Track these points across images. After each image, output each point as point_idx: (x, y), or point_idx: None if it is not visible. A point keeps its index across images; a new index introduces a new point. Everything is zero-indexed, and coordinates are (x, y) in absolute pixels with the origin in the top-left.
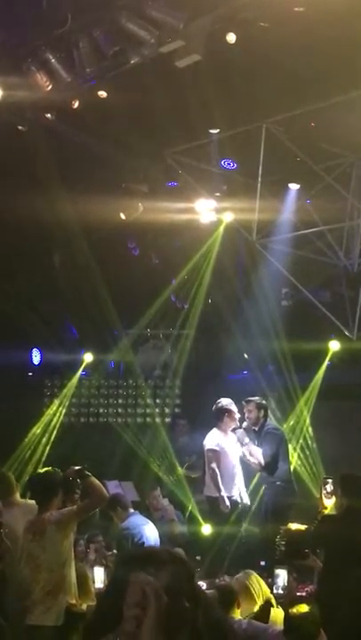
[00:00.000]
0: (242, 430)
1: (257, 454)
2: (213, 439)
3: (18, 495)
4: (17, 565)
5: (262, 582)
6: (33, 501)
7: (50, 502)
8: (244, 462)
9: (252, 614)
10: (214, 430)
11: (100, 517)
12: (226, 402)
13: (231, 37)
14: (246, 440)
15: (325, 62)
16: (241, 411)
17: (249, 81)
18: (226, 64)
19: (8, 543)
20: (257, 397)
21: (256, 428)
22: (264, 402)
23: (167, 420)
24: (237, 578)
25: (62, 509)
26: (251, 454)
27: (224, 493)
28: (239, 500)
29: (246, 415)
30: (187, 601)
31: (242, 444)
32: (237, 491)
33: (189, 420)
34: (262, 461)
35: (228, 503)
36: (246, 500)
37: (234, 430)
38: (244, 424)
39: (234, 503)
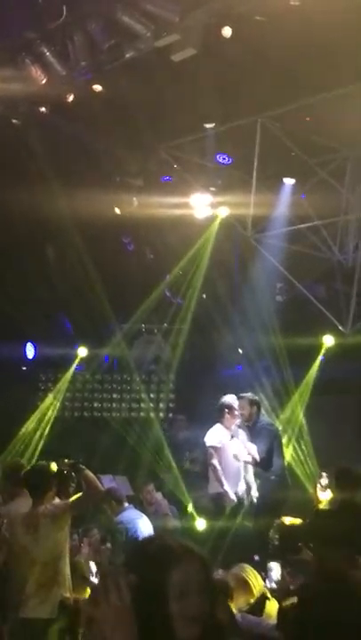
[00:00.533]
0: (235, 427)
1: (252, 450)
2: (214, 435)
3: None
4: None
5: (258, 575)
6: None
7: (44, 496)
8: None
9: (246, 607)
10: (217, 426)
11: (95, 511)
12: (228, 398)
13: (227, 31)
14: (241, 437)
15: (321, 56)
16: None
17: (244, 75)
18: (221, 58)
19: (6, 534)
20: (249, 394)
21: (250, 424)
22: (256, 398)
23: (161, 414)
24: (232, 571)
25: (57, 502)
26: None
27: (227, 488)
28: (245, 497)
29: (240, 412)
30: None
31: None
32: (243, 486)
33: (183, 414)
34: (257, 457)
35: (233, 497)
36: (254, 497)
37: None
38: (237, 420)
39: (239, 499)
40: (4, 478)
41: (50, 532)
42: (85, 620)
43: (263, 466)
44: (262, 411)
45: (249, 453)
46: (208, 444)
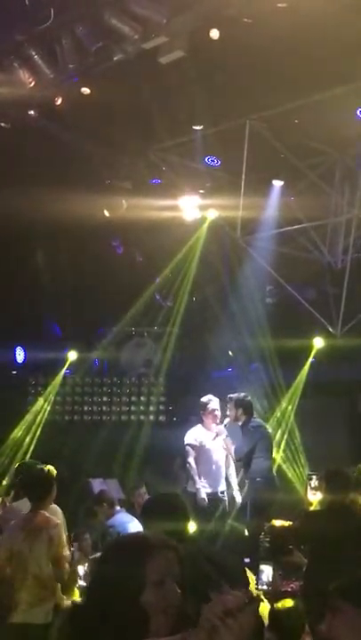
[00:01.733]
0: (221, 426)
1: (230, 449)
2: (192, 435)
3: None
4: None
5: (253, 577)
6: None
7: (44, 501)
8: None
9: None
10: (198, 426)
11: (86, 515)
12: (205, 398)
13: (215, 34)
14: (223, 435)
15: (309, 59)
16: (224, 407)
17: (233, 77)
18: (210, 60)
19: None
20: (236, 394)
21: (240, 424)
22: (246, 399)
23: (151, 417)
24: None
25: (56, 520)
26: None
27: (199, 486)
28: (223, 497)
29: (228, 412)
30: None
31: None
32: (222, 487)
33: (173, 417)
34: (233, 455)
35: (203, 496)
36: (237, 498)
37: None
38: (226, 420)
39: (216, 499)
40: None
41: (44, 551)
42: None
43: (243, 464)
44: (255, 412)
45: (226, 450)
46: (185, 442)
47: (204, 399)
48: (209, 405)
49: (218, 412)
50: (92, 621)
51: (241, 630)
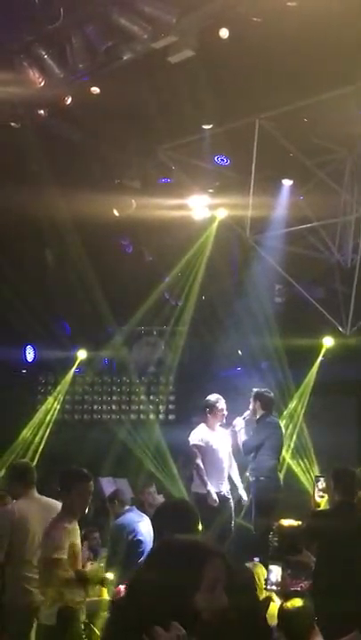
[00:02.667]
0: (240, 419)
1: (239, 443)
2: (197, 435)
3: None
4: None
5: (264, 572)
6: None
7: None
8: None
9: None
10: (201, 426)
11: (95, 514)
12: (211, 398)
13: (224, 33)
14: (238, 428)
15: (318, 57)
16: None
17: (242, 76)
18: (219, 59)
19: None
20: (257, 389)
21: (256, 418)
22: (266, 393)
23: (161, 416)
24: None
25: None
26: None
27: (210, 488)
28: (229, 496)
29: (250, 405)
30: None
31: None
32: (227, 486)
33: (182, 416)
34: (241, 449)
35: (215, 497)
36: (244, 496)
37: (226, 425)
38: (247, 413)
39: (223, 499)
40: (11, 478)
41: None
42: None
43: (244, 450)
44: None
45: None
46: (190, 442)
47: (212, 398)
48: (218, 404)
49: (225, 412)
50: (136, 622)
51: None
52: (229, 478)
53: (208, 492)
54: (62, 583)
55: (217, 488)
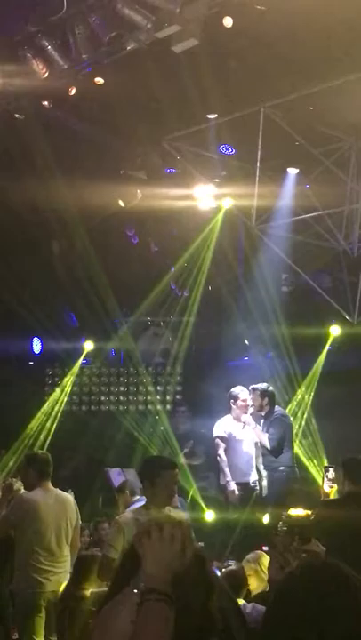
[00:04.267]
0: (248, 415)
1: (262, 438)
2: (221, 426)
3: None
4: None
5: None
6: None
7: None
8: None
9: (259, 595)
10: (226, 417)
11: (104, 504)
12: (235, 389)
13: (228, 21)
14: (252, 425)
15: (323, 45)
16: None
17: (246, 65)
18: (223, 48)
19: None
20: (261, 385)
21: (263, 414)
22: (270, 389)
23: (168, 406)
24: (248, 557)
25: None
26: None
27: (229, 479)
28: (255, 487)
29: (252, 403)
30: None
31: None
32: (255, 476)
33: (189, 406)
34: (268, 445)
35: (233, 488)
36: (265, 486)
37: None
38: (250, 410)
39: (248, 490)
40: (29, 467)
41: None
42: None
43: (274, 453)
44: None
45: (260, 442)
46: (214, 434)
47: (235, 390)
48: (240, 395)
49: (249, 402)
50: None
51: (171, 541)
52: (256, 468)
53: (227, 482)
54: None
55: (243, 478)
